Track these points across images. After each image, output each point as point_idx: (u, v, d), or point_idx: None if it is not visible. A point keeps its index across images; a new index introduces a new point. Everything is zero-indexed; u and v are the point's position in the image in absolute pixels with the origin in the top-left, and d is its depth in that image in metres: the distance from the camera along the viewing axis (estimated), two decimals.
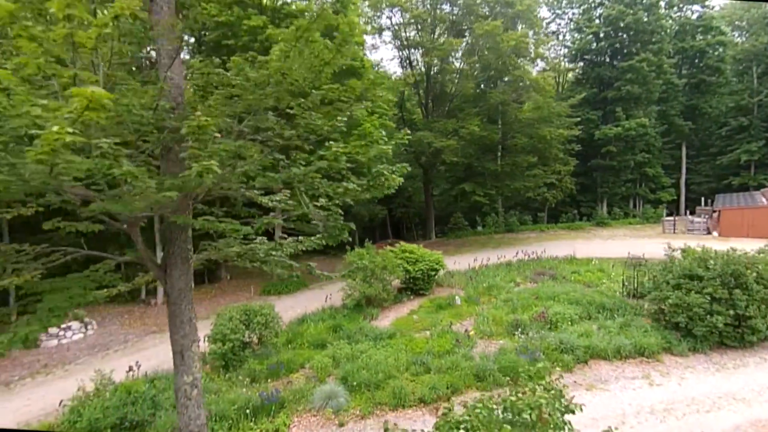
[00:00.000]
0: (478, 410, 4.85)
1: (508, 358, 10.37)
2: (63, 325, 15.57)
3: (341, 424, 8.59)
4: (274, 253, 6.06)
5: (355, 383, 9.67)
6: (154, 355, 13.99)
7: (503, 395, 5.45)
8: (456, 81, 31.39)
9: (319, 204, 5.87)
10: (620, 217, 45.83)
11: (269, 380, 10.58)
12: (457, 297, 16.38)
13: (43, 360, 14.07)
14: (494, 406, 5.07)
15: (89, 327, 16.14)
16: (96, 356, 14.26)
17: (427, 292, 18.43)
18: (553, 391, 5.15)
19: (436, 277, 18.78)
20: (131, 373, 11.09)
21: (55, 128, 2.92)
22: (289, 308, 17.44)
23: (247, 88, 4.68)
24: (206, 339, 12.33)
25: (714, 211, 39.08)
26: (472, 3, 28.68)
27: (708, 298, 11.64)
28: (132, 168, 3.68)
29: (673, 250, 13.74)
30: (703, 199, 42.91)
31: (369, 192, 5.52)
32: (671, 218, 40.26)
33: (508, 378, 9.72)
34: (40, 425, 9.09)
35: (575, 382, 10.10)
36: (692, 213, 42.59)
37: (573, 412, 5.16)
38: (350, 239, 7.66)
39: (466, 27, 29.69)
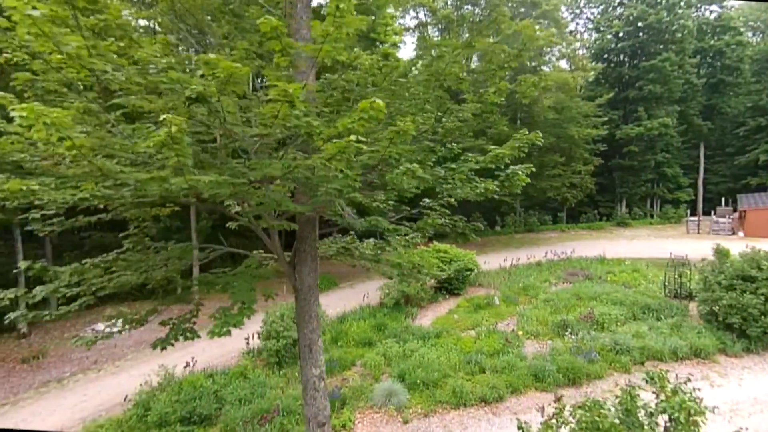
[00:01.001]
0: (587, 411, 4.81)
1: (564, 358, 10.32)
2: (108, 322, 15.87)
3: (405, 422, 8.65)
4: (382, 251, 6.23)
5: (412, 381, 9.71)
6: (200, 351, 14.19)
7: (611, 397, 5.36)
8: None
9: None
10: (640, 217, 45.36)
11: (332, 376, 10.68)
12: (495, 297, 16.33)
13: (92, 356, 14.39)
14: (611, 408, 5.03)
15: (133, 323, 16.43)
16: (143, 352, 14.54)
17: (461, 292, 18.43)
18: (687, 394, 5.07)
19: (470, 277, 18.75)
20: (188, 368, 11.30)
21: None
22: (325, 306, 17.55)
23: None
24: (258, 336, 12.55)
25: (736, 212, 38.42)
26: (498, 3, 28.58)
27: (762, 299, 11.49)
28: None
29: (719, 252, 13.51)
30: (724, 199, 42.31)
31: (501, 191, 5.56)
32: (695, 218, 39.63)
33: (567, 378, 9.72)
34: (106, 420, 9.30)
35: (635, 383, 9.98)
36: (708, 214, 41.93)
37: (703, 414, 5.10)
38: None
39: (480, 28, 29.60)
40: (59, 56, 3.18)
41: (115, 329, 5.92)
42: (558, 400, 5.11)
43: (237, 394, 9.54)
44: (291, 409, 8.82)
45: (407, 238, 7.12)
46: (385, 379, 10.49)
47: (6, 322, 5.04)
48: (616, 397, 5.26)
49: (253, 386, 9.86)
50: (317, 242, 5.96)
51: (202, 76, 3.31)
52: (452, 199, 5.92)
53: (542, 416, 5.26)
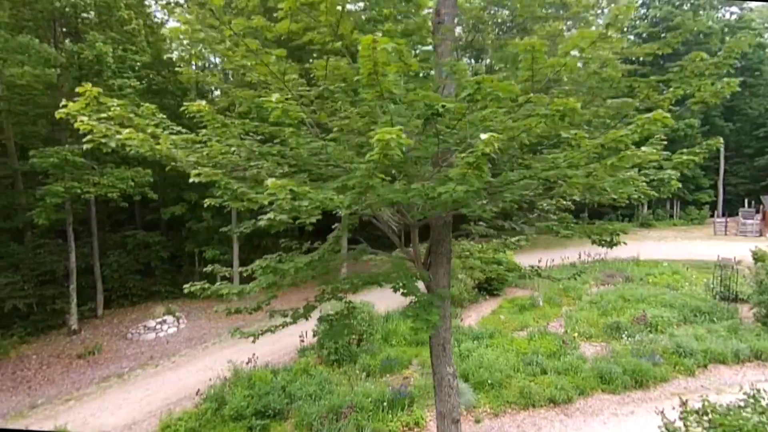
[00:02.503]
0: (725, 415, 4.76)
1: (628, 361, 10.28)
2: (159, 319, 16.30)
3: (477, 421, 8.72)
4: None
5: (477, 381, 9.77)
6: (253, 347, 14.40)
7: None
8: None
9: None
10: (663, 219, 44.66)
11: (385, 375, 10.83)
12: (539, 298, 16.28)
13: (147, 352, 14.76)
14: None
15: (181, 321, 16.83)
16: (195, 349, 14.86)
17: (500, 293, 18.40)
18: None
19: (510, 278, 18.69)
20: (250, 363, 11.55)
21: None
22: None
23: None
24: (314, 334, 12.74)
25: (759, 213, 37.67)
26: (528, 3, 28.38)
27: None
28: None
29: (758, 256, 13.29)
30: (746, 201, 41.43)
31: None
32: (722, 220, 38.87)
33: (634, 381, 9.68)
34: (183, 413, 9.55)
35: (702, 386, 9.91)
36: (728, 215, 41.08)
37: None
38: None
39: (516, 30, 29.42)
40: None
41: (278, 322, 6.12)
42: (684, 403, 5.11)
43: (305, 390, 9.72)
44: (362, 405, 8.96)
45: (513, 240, 7.19)
46: None
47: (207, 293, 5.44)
48: (746, 398, 5.22)
49: (319, 383, 10.03)
50: (451, 245, 6.06)
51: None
52: (567, 201, 5.95)
53: (662, 420, 5.27)
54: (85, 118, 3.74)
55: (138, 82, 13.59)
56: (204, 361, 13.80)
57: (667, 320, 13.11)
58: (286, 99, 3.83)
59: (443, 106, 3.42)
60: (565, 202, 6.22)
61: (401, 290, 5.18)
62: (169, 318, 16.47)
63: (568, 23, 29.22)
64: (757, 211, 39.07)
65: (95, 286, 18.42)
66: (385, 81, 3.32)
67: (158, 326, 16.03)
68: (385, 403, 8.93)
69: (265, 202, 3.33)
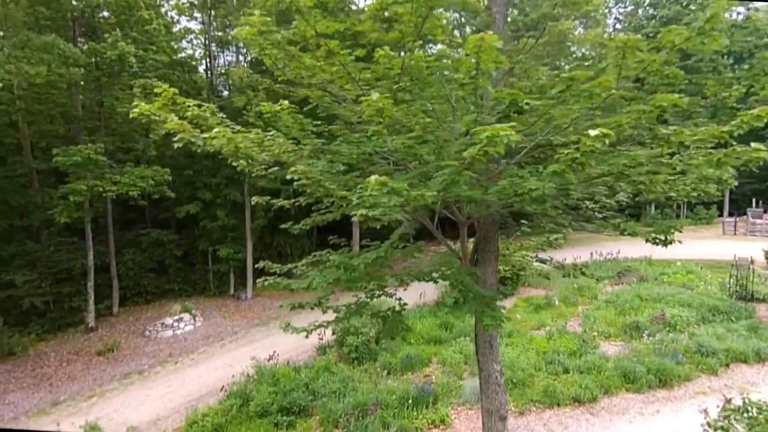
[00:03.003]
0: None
1: (651, 360, 10.26)
2: (176, 317, 16.41)
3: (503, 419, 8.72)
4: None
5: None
6: (270, 345, 14.51)
7: None
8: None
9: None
10: (670, 218, 44.43)
11: (406, 373, 10.86)
12: (554, 297, 16.27)
13: (165, 350, 14.86)
14: None
15: (197, 319, 16.92)
16: (213, 346, 14.95)
17: (514, 292, 18.38)
18: None
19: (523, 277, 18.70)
20: (271, 360, 11.62)
21: None
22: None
23: None
24: (333, 332, 12.77)
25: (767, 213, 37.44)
26: (539, 3, 28.30)
27: None
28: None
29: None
30: (754, 201, 41.11)
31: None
32: (731, 219, 38.63)
33: (658, 380, 9.67)
34: (209, 409, 9.60)
35: (725, 385, 9.88)
36: (734, 215, 40.81)
37: None
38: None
39: (525, 28, 29.35)
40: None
41: (329, 317, 6.17)
42: (728, 401, 5.12)
43: (329, 387, 9.77)
44: (387, 403, 9.00)
45: (552, 239, 7.21)
46: (467, 377, 10.60)
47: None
48: None
49: (342, 380, 10.07)
50: (498, 243, 6.08)
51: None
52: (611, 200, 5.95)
53: (705, 418, 5.27)
54: (175, 117, 3.82)
55: (158, 82, 13.66)
56: (223, 358, 13.88)
57: (685, 320, 13.07)
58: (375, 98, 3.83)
59: (527, 104, 3.43)
60: (608, 201, 6.22)
61: (459, 287, 5.18)
62: (186, 316, 16.57)
63: (569, 23, 29.05)
64: (765, 211, 38.82)
65: (111, 284, 18.53)
66: (481, 79, 3.33)
67: (175, 324, 16.14)
68: (410, 401, 8.96)
69: (354, 199, 3.36)
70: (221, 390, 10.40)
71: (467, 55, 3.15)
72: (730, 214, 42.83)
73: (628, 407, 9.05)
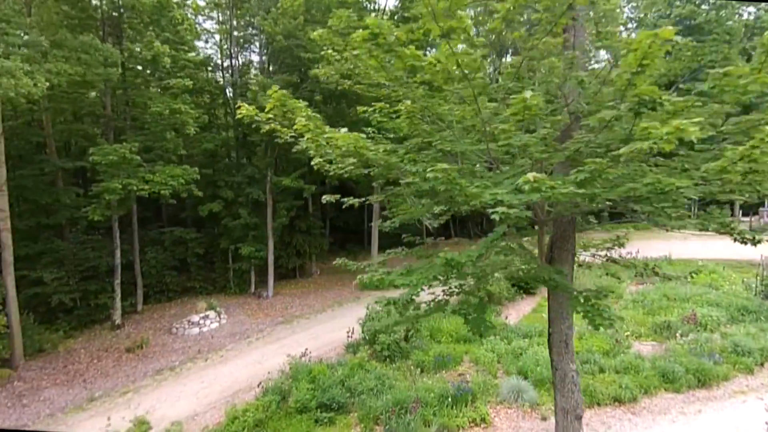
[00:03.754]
0: None
1: (690, 360, 10.21)
2: (201, 314, 16.55)
3: (544, 418, 8.73)
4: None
5: (537, 379, 9.79)
6: (295, 343, 14.62)
7: None
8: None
9: None
10: (684, 218, 43.99)
11: (440, 371, 10.88)
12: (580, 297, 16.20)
13: (193, 346, 15.00)
14: None
15: (221, 316, 17.06)
16: (240, 343, 15.06)
17: (536, 291, 18.35)
18: None
19: None
20: (304, 358, 11.69)
21: None
22: None
23: None
24: (362, 331, 12.86)
25: None
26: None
27: None
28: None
29: None
30: (767, 200, 40.54)
31: None
32: (747, 219, 38.22)
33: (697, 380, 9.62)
34: (249, 405, 9.67)
35: (763, 384, 9.82)
36: (744, 215, 40.32)
37: None
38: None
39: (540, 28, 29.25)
40: None
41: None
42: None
43: (365, 385, 9.80)
44: (425, 401, 9.02)
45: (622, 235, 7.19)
46: (501, 375, 10.61)
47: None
48: None
49: (378, 377, 10.11)
50: (575, 242, 6.07)
51: None
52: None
53: None
54: (302, 119, 3.89)
55: (190, 82, 13.80)
56: (251, 355, 13.99)
57: (716, 319, 12.98)
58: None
59: (659, 101, 3.43)
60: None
61: (551, 284, 5.18)
62: (212, 313, 16.71)
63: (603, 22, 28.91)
64: None
65: (135, 282, 18.74)
66: (640, 77, 3.34)
67: (201, 321, 16.29)
68: (449, 399, 8.99)
69: (487, 197, 3.40)
70: (258, 386, 10.47)
71: (631, 51, 3.14)
72: (744, 214, 42.38)
73: (669, 407, 9.02)
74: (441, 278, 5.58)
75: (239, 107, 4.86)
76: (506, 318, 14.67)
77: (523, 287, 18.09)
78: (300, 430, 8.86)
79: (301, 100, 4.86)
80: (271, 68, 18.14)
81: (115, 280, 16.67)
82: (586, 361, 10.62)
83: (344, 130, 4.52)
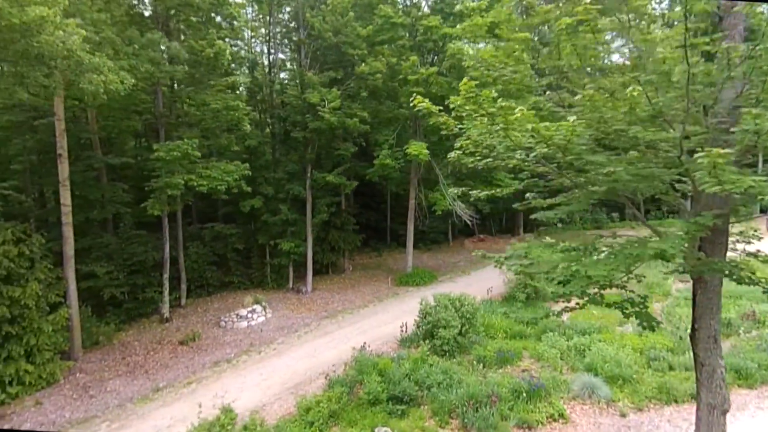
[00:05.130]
0: None
1: (760, 356, 10.05)
2: (249, 308, 16.79)
3: (623, 415, 8.69)
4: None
5: (608, 375, 9.74)
6: (344, 337, 14.78)
7: None
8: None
9: None
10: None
11: (503, 366, 10.90)
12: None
13: (244, 340, 15.21)
14: None
15: (267, 311, 17.28)
16: (290, 337, 15.23)
17: None
18: None
19: None
20: (364, 352, 11.76)
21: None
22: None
23: None
24: (417, 325, 12.90)
25: None
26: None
27: None
28: None
29: None
30: None
31: None
32: None
33: None
34: (320, 398, 9.79)
35: None
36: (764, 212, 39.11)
37: None
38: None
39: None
40: None
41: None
42: None
43: (433, 379, 9.84)
44: (501, 396, 9.04)
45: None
46: (566, 372, 10.57)
47: None
48: None
49: (444, 372, 10.14)
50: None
51: None
52: None
53: None
54: (518, 110, 3.92)
55: (248, 78, 13.96)
56: (303, 348, 14.15)
57: None
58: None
59: None
60: None
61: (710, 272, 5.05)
62: (258, 307, 16.93)
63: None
64: None
65: (179, 277, 19.04)
66: None
67: (249, 315, 16.51)
68: (523, 394, 8.99)
69: (747, 183, 3.43)
70: (325, 377, 10.60)
71: None
72: (763, 211, 41.26)
73: (745, 403, 8.89)
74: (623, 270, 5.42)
75: (414, 99, 4.89)
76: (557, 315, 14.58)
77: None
78: (375, 421, 8.94)
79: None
80: (309, 65, 18.19)
81: (164, 274, 16.98)
82: (655, 358, 10.53)
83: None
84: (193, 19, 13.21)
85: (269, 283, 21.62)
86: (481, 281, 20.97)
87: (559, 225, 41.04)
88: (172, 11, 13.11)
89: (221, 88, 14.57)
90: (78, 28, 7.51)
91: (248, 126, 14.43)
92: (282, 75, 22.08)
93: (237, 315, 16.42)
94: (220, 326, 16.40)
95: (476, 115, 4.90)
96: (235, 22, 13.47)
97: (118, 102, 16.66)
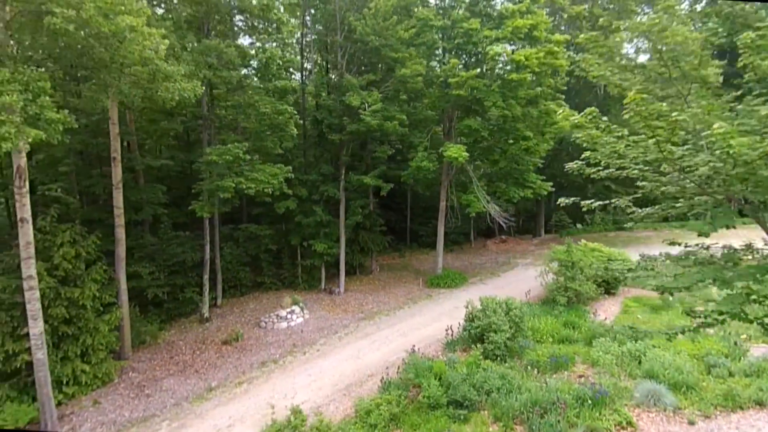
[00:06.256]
0: None
1: None
2: (288, 309, 16.96)
3: (691, 422, 8.60)
4: None
5: (671, 383, 9.64)
6: (385, 338, 14.87)
7: None
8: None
9: None
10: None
11: (556, 372, 10.85)
12: (670, 297, 15.84)
13: (286, 340, 15.38)
14: None
15: (304, 311, 17.43)
16: (331, 338, 15.35)
17: (616, 291, 18.04)
18: None
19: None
20: (413, 354, 11.81)
21: None
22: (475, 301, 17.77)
23: None
24: (463, 328, 12.90)
25: None
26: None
27: None
28: None
29: None
30: None
31: None
32: None
33: None
34: (375, 399, 9.87)
35: None
36: None
37: None
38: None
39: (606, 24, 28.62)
40: None
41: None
42: None
43: (491, 384, 9.84)
44: (566, 403, 9.00)
45: None
46: (625, 378, 10.49)
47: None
48: None
49: (501, 377, 10.13)
50: None
51: None
52: None
53: None
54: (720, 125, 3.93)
55: (297, 82, 14.11)
56: (346, 350, 14.25)
57: None
58: None
59: None
60: None
61: None
62: (296, 308, 17.09)
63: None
64: None
65: (215, 277, 19.30)
66: None
67: (288, 316, 16.69)
68: (588, 401, 8.95)
69: None
70: (380, 380, 10.69)
71: None
72: None
73: None
74: None
75: (562, 112, 4.95)
76: (596, 316, 14.52)
77: (605, 287, 17.82)
78: (438, 426, 8.99)
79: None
80: (346, 67, 18.26)
81: (204, 275, 17.23)
82: (714, 365, 10.40)
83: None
84: (242, 24, 13.38)
85: (300, 283, 21.80)
86: (512, 284, 20.91)
87: (578, 226, 41.00)
88: (223, 16, 13.26)
89: (270, 91, 14.69)
90: (163, 38, 7.72)
91: (294, 129, 14.57)
92: (312, 77, 22.20)
93: (277, 316, 16.60)
94: (260, 326, 16.60)
95: (651, 128, 4.86)
96: (282, 27, 13.60)
97: (156, 104, 16.96)
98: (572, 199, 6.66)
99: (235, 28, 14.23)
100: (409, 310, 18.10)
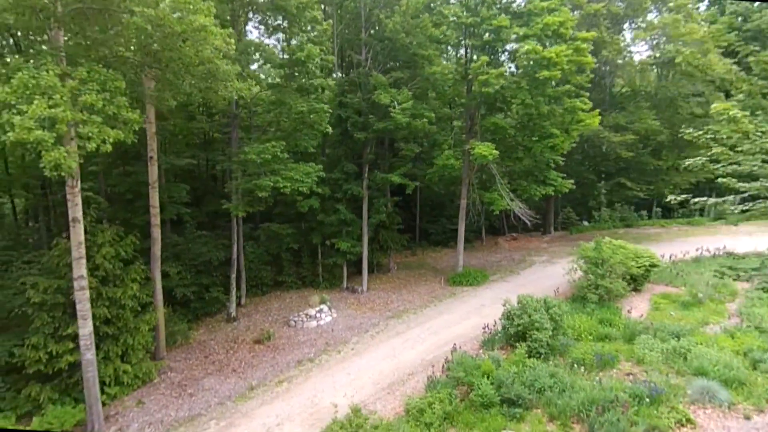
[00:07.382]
0: None
1: None
2: (317, 308, 16.94)
3: (747, 417, 8.65)
4: None
5: (722, 379, 9.68)
6: (417, 337, 14.86)
7: None
8: (633, 74, 30.72)
9: None
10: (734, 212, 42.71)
11: (602, 370, 10.88)
12: (701, 294, 15.91)
13: (318, 339, 15.35)
14: None
15: (332, 310, 17.41)
16: (363, 337, 15.32)
17: (642, 288, 18.10)
18: None
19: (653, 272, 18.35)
20: (455, 352, 11.79)
21: None
22: (497, 300, 17.78)
23: None
24: (503, 326, 12.90)
25: None
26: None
27: None
28: None
29: None
30: None
31: None
32: None
33: None
34: (424, 399, 9.86)
35: None
36: None
37: None
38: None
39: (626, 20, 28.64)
40: None
41: None
42: None
43: (542, 382, 9.84)
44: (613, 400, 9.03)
45: None
46: (673, 375, 10.52)
47: None
48: None
49: (551, 375, 10.13)
50: None
51: None
52: None
53: None
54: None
55: (333, 81, 14.00)
56: (380, 349, 14.23)
57: None
58: None
59: None
60: None
61: None
62: (324, 307, 17.07)
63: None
64: None
65: (239, 276, 19.25)
66: None
67: (317, 315, 16.66)
68: (646, 399, 8.98)
69: None
70: (428, 379, 10.68)
71: None
72: None
73: None
74: None
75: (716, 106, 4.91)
76: (629, 313, 14.60)
77: (631, 283, 17.87)
78: (494, 425, 9.00)
79: None
80: (373, 65, 18.15)
81: (231, 274, 17.18)
82: (759, 360, 10.46)
83: None
84: (281, 23, 13.24)
85: (321, 282, 21.77)
86: (533, 281, 20.92)
87: (586, 224, 41.16)
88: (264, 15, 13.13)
89: (306, 90, 14.56)
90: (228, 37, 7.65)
91: (327, 128, 14.51)
92: (334, 75, 22.08)
93: (306, 314, 16.58)
94: (290, 325, 16.58)
95: None
96: (317, 26, 13.49)
97: (181, 102, 16.86)
98: (683, 196, 6.63)
99: (270, 28, 14.11)
100: (436, 309, 18.09)
